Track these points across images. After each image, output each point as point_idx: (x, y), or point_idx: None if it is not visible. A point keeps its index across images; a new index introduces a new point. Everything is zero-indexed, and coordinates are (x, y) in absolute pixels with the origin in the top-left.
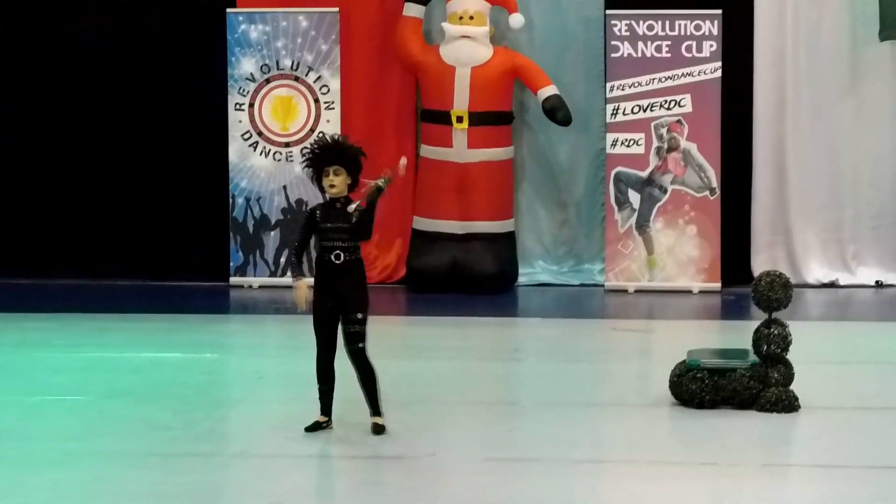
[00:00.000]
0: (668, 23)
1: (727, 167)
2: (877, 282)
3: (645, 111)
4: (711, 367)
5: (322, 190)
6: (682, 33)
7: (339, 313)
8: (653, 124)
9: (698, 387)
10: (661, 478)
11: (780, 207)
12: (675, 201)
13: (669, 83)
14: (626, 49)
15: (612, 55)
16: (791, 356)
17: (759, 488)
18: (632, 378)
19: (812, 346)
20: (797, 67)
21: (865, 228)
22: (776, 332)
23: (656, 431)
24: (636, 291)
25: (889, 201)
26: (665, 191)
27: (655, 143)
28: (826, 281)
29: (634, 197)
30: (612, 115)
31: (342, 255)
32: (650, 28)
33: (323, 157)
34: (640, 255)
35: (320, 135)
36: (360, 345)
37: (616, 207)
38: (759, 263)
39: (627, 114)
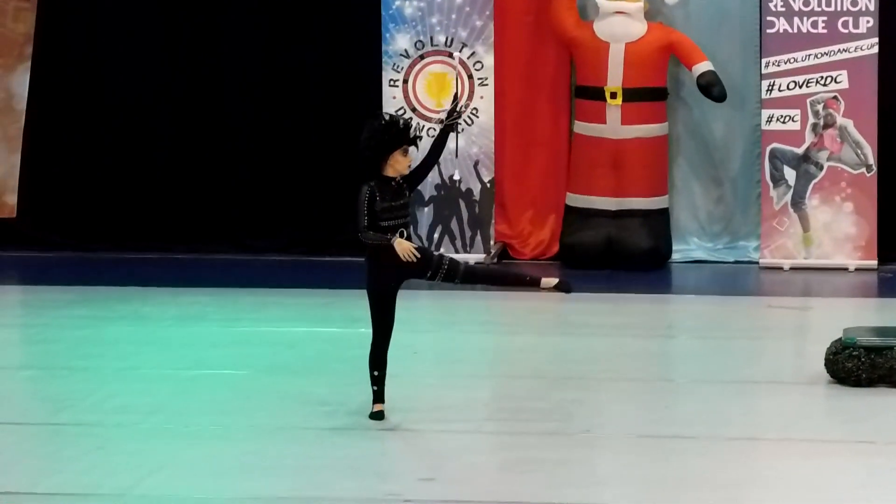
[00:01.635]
0: None
1: (884, 144)
2: None
3: (801, 87)
4: (868, 345)
5: (374, 168)
6: (839, 8)
7: (420, 274)
8: (808, 101)
9: (854, 365)
10: (817, 455)
11: None
12: (832, 178)
13: (826, 59)
14: (781, 25)
15: (768, 31)
16: None
17: None
18: (787, 356)
19: None
20: None
21: None
22: None
23: (812, 409)
24: (791, 269)
25: None
26: (821, 167)
27: (811, 120)
28: None
29: (790, 174)
30: (767, 91)
31: (405, 231)
32: (806, 3)
33: (405, 134)
34: (796, 233)
35: (383, 115)
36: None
37: (771, 184)
38: None
39: (783, 90)
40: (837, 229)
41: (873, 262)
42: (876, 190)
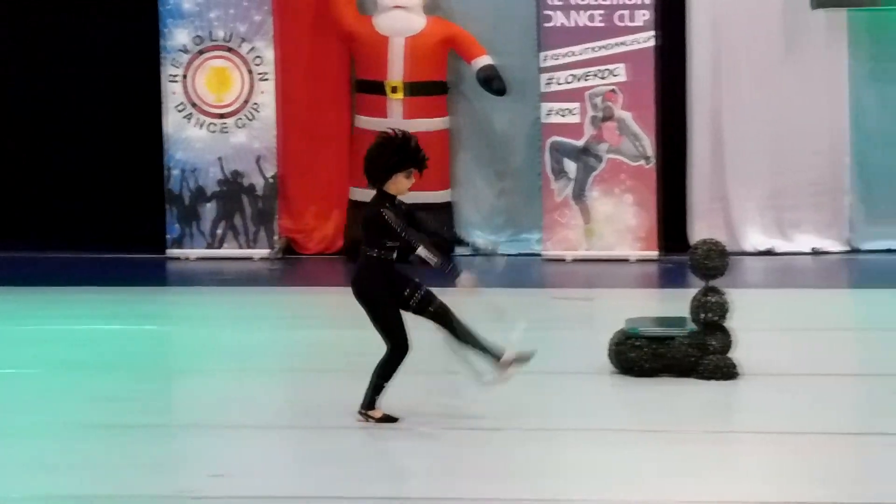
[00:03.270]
0: None
1: (663, 136)
2: (813, 249)
3: (579, 81)
4: (650, 335)
5: (378, 181)
6: (616, 2)
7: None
8: (587, 94)
9: (637, 355)
10: (612, 445)
11: (717, 175)
12: (612, 170)
13: (603, 52)
14: (559, 18)
15: (546, 25)
16: (730, 323)
17: (709, 455)
18: (573, 347)
19: (751, 314)
20: (732, 35)
21: (803, 196)
22: (714, 300)
23: (601, 399)
24: (574, 260)
25: (826, 168)
26: (601, 160)
27: (590, 113)
28: (763, 248)
29: (570, 166)
30: (546, 84)
31: (397, 252)
32: None
33: (414, 157)
34: (578, 224)
35: (398, 132)
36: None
37: (553, 177)
38: (697, 231)
39: (562, 83)
40: (618, 221)
41: (654, 253)
42: (655, 181)
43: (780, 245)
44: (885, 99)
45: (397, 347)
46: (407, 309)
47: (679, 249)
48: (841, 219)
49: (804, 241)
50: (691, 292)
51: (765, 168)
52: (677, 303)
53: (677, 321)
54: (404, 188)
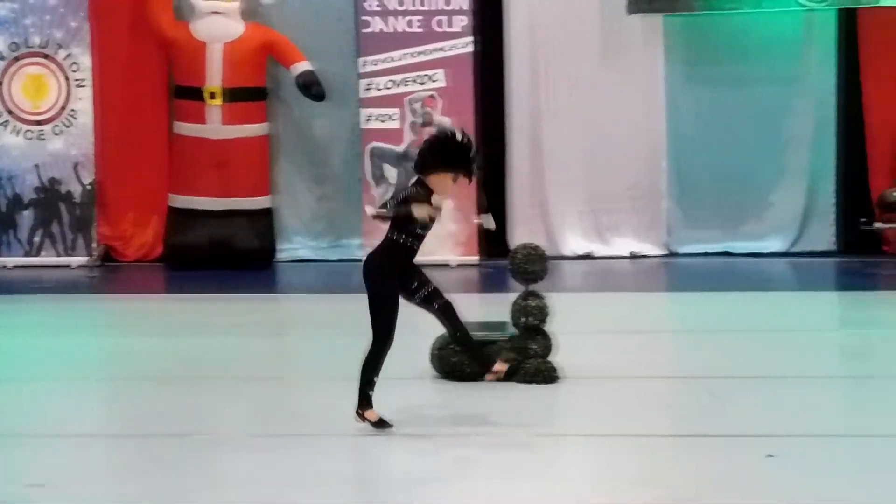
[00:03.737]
0: None
1: (483, 141)
2: (631, 253)
3: (398, 86)
4: None
5: (427, 169)
6: (434, 8)
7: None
8: (407, 99)
9: (459, 359)
10: (435, 450)
11: (537, 180)
12: None
13: (422, 58)
14: (377, 24)
15: (364, 30)
16: (551, 327)
17: (530, 458)
18: (395, 351)
19: (571, 317)
20: (549, 40)
21: (621, 200)
22: (534, 304)
23: (423, 404)
24: None
25: (643, 173)
26: None
27: (410, 118)
28: (582, 252)
29: (391, 172)
30: (365, 90)
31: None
32: (401, 3)
33: (467, 162)
34: None
35: (465, 133)
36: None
37: (373, 182)
38: (517, 236)
39: (381, 89)
40: (439, 226)
41: (475, 258)
42: (476, 187)
43: (599, 249)
44: (701, 103)
45: (382, 338)
46: (411, 300)
47: (499, 254)
48: (658, 223)
49: (622, 245)
50: (512, 296)
51: (583, 173)
52: (498, 307)
53: (498, 325)
54: (446, 188)
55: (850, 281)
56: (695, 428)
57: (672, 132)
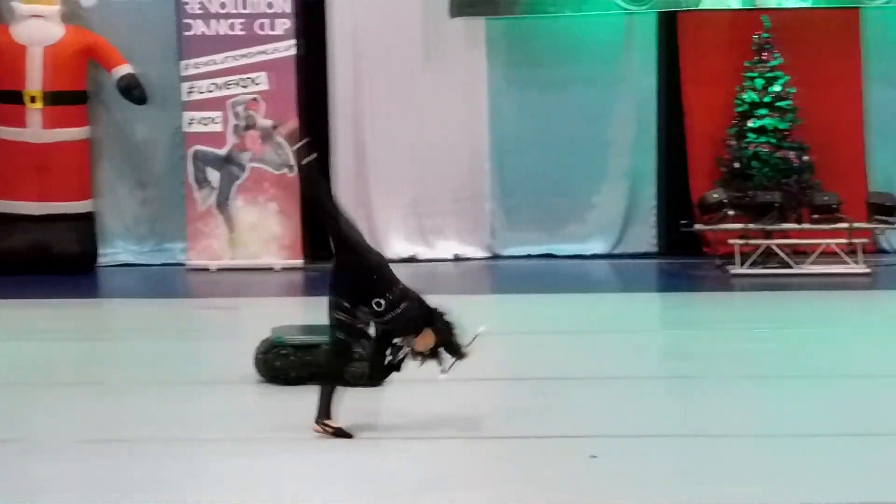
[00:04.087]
0: (240, 1)
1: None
2: (455, 255)
3: (221, 89)
4: (296, 343)
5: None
6: (256, 11)
7: None
8: (229, 102)
9: (284, 363)
10: (260, 454)
11: (361, 182)
12: (255, 179)
13: (245, 61)
14: (199, 27)
15: (186, 33)
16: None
17: (354, 461)
18: (219, 356)
19: None
20: (372, 43)
21: (444, 203)
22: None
23: (246, 408)
24: (219, 269)
25: (467, 175)
26: (244, 169)
27: (233, 122)
28: (406, 255)
29: (214, 175)
30: (188, 93)
31: None
32: (223, 6)
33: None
34: (223, 234)
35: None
36: None
37: (196, 186)
38: None
39: (204, 92)
40: (263, 229)
41: (299, 262)
42: (300, 190)
43: (423, 252)
44: (522, 106)
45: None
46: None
47: (323, 258)
48: (482, 225)
49: (446, 248)
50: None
51: (407, 175)
52: (323, 311)
53: (323, 329)
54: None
55: (671, 282)
56: (519, 429)
57: (495, 135)
